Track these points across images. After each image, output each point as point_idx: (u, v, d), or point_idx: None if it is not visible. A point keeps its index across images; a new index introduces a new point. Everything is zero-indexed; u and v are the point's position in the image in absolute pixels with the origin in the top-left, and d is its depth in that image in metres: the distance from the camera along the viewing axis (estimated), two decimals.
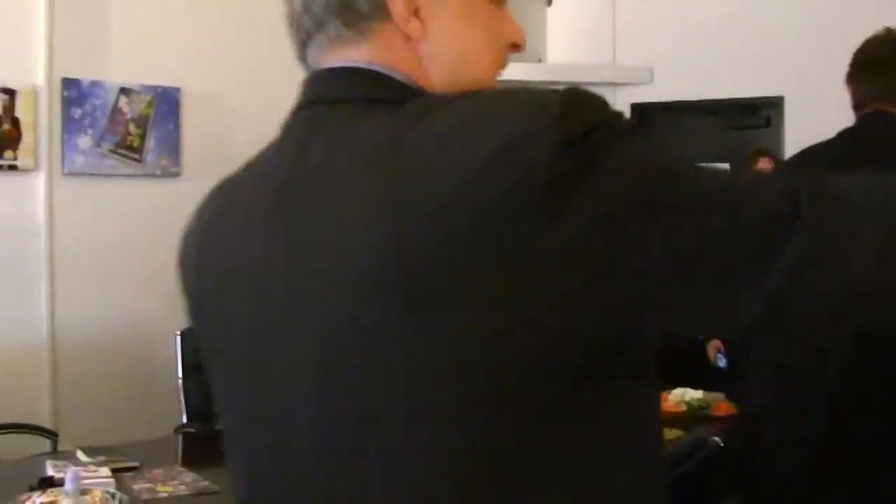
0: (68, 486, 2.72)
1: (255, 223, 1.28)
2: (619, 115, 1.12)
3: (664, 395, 5.01)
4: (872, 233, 1.08)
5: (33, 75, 5.58)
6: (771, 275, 1.06)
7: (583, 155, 1.04)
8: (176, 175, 6.15)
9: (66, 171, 5.71)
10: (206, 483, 3.68)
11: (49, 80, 5.63)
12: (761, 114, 7.65)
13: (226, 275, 1.32)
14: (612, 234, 1.04)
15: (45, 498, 2.96)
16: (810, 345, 2.30)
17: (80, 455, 3.93)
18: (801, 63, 6.88)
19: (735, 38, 7.33)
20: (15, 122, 5.49)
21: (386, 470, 1.14)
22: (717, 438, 4.35)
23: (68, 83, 5.70)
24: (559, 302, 1.05)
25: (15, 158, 5.49)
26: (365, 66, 1.23)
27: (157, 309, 5.96)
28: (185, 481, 3.70)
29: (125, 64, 5.94)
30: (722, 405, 4.85)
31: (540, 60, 8.18)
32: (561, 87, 1.10)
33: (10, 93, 5.46)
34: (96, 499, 3.01)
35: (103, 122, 5.85)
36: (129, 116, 5.94)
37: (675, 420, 4.65)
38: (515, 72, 7.15)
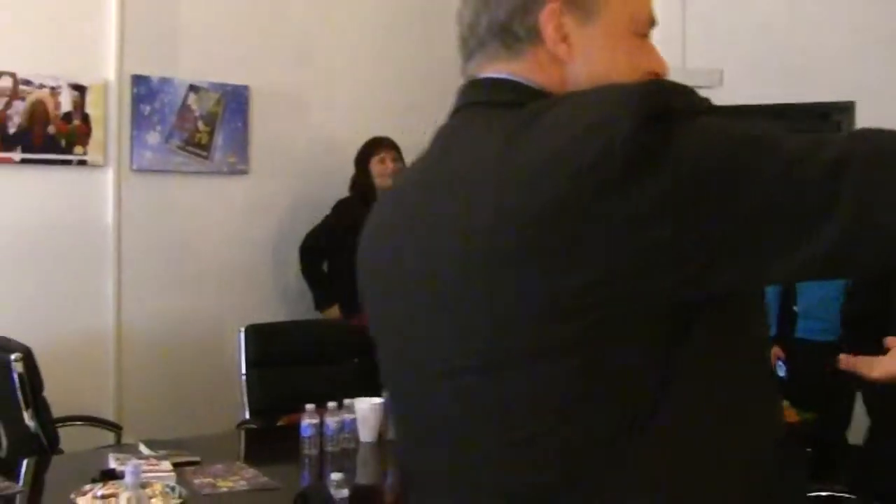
0: (128, 478, 2.73)
1: (403, 205, 1.50)
2: (701, 98, 1.28)
3: None
4: None
5: (104, 71, 5.64)
6: (837, 220, 1.18)
7: (662, 129, 1.20)
8: (243, 172, 6.19)
9: (134, 167, 5.76)
10: (265, 479, 3.68)
11: (119, 76, 5.68)
12: (832, 119, 7.54)
13: (376, 255, 1.58)
14: (695, 193, 1.19)
15: (105, 490, 2.99)
16: None
17: (143, 448, 3.95)
18: (873, 68, 6.79)
19: (806, 42, 7.25)
20: (85, 118, 5.55)
21: (499, 413, 1.30)
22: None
23: (138, 80, 5.76)
24: (645, 256, 1.21)
25: (84, 154, 5.55)
26: (513, 78, 1.44)
27: (222, 305, 6.01)
28: (245, 477, 3.71)
29: (195, 61, 5.99)
30: (787, 412, 4.80)
31: None
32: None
33: (81, 89, 5.52)
34: (156, 492, 3.03)
35: (172, 118, 5.90)
36: (197, 114, 5.99)
37: None
38: None
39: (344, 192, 6.20)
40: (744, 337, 1.34)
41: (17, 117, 5.31)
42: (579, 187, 1.21)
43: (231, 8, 6.13)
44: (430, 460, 1.46)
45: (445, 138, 1.50)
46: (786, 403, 4.87)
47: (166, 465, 3.69)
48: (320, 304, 6.11)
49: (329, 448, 4.07)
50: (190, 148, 5.97)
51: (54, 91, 5.43)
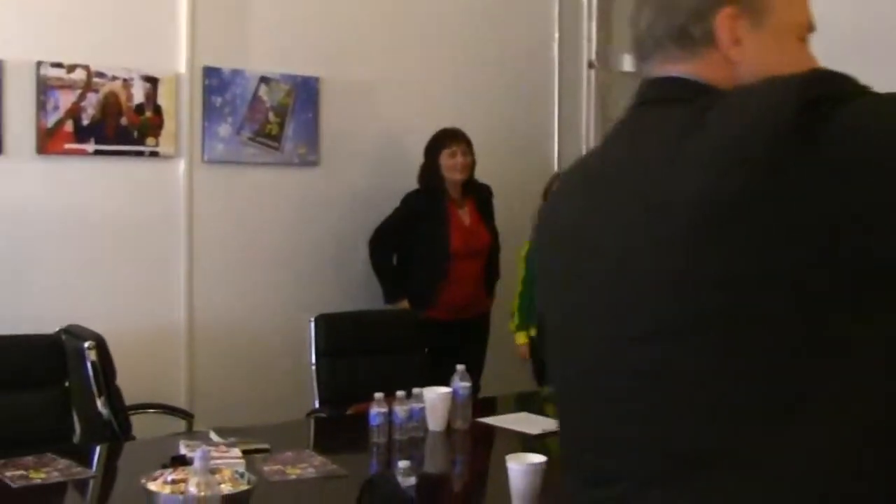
0: (197, 464, 2.75)
1: (587, 189, 1.61)
2: (861, 85, 1.36)
3: None
4: None
5: (176, 64, 5.69)
6: None
7: (827, 110, 1.29)
8: (314, 164, 6.22)
9: (205, 159, 5.81)
10: (334, 467, 3.70)
11: (191, 68, 5.73)
12: None
13: (558, 232, 1.68)
14: (866, 165, 1.27)
15: (175, 475, 3.01)
16: None
17: (213, 436, 3.99)
18: None
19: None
20: (157, 110, 5.60)
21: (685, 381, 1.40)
22: None
23: (209, 72, 5.80)
24: (827, 228, 1.28)
25: (156, 145, 5.60)
26: (689, 76, 1.56)
27: (293, 295, 6.05)
28: (314, 464, 3.73)
29: (265, 53, 6.03)
30: None
31: None
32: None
33: (153, 81, 5.58)
34: (225, 477, 3.04)
35: (243, 110, 5.93)
36: (268, 105, 6.02)
37: None
38: None
39: (412, 183, 6.21)
40: None
41: (90, 109, 5.38)
42: (752, 170, 1.31)
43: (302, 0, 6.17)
44: (597, 423, 1.54)
45: (627, 131, 1.61)
46: None
47: (236, 452, 3.72)
48: (390, 298, 6.12)
49: (397, 437, 4.08)
50: (260, 139, 6.01)
51: (127, 83, 5.49)
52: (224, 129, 5.86)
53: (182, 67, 5.70)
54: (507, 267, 6.39)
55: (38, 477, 3.50)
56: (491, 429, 4.43)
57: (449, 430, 4.30)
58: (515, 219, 6.39)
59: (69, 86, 5.31)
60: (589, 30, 7.55)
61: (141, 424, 4.62)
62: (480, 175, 6.27)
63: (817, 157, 1.27)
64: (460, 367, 4.41)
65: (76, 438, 4.42)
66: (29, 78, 5.22)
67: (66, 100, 5.31)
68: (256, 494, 3.06)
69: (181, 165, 5.72)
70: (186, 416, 5.09)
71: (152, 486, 2.98)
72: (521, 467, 3.20)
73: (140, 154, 5.57)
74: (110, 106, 5.45)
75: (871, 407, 1.33)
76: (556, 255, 1.67)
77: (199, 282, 5.78)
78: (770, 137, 1.31)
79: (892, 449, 1.34)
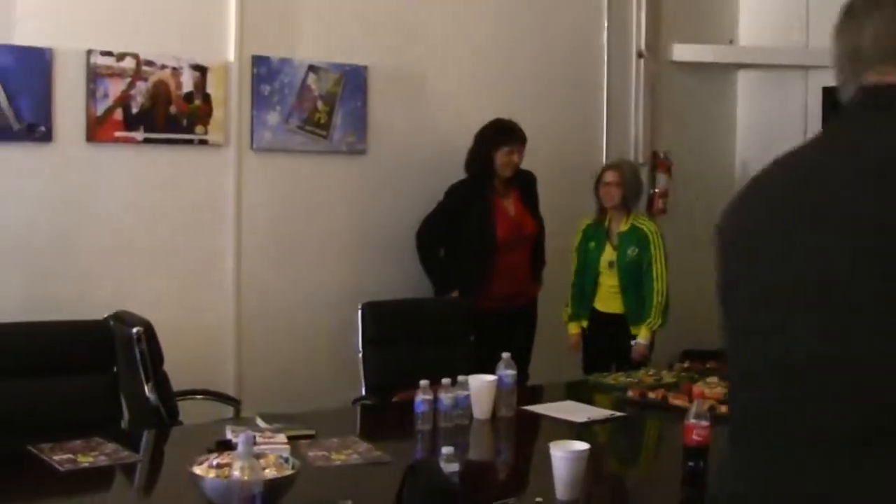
0: (241, 448, 2.77)
1: (795, 187, 1.77)
2: None
3: None
4: None
5: (225, 53, 5.72)
6: None
7: None
8: (362, 152, 6.23)
9: (254, 147, 5.83)
10: (378, 453, 3.71)
11: (240, 57, 5.75)
12: None
13: (753, 229, 1.84)
14: None
15: (220, 459, 3.03)
16: None
17: (259, 421, 4.00)
18: None
19: None
20: (206, 99, 5.63)
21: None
22: None
23: (258, 60, 5.82)
24: None
25: (205, 133, 5.63)
26: None
27: (341, 283, 6.07)
28: (358, 450, 3.74)
29: (314, 42, 6.04)
30: None
31: (731, 42, 8.01)
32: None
33: (202, 69, 5.60)
34: (270, 462, 3.06)
35: (292, 99, 5.95)
36: (316, 94, 6.04)
37: None
38: (706, 53, 7.01)
39: (460, 172, 6.20)
40: None
41: (139, 97, 5.41)
42: None
43: None
44: (815, 382, 1.68)
45: (842, 135, 1.76)
46: None
47: (281, 437, 3.74)
48: (439, 291, 6.13)
49: (442, 424, 4.07)
50: (309, 128, 6.02)
51: (176, 72, 5.52)
52: (272, 118, 5.88)
53: (231, 56, 5.73)
54: (552, 254, 6.38)
55: (85, 461, 3.53)
56: (536, 417, 4.42)
57: (494, 417, 4.29)
58: (564, 208, 6.38)
59: (119, 74, 5.35)
60: (638, 19, 7.51)
61: (188, 410, 4.65)
62: (529, 165, 6.25)
63: None
64: (506, 355, 4.41)
65: (124, 424, 4.45)
66: (79, 66, 5.26)
67: (115, 88, 5.35)
68: (300, 480, 3.08)
69: (230, 154, 5.75)
70: (234, 402, 5.12)
71: (198, 470, 3.00)
72: (564, 454, 3.19)
73: (189, 142, 5.60)
74: (159, 94, 5.48)
75: None
76: (752, 258, 1.83)
77: (247, 269, 5.81)
78: None
79: None
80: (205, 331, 5.69)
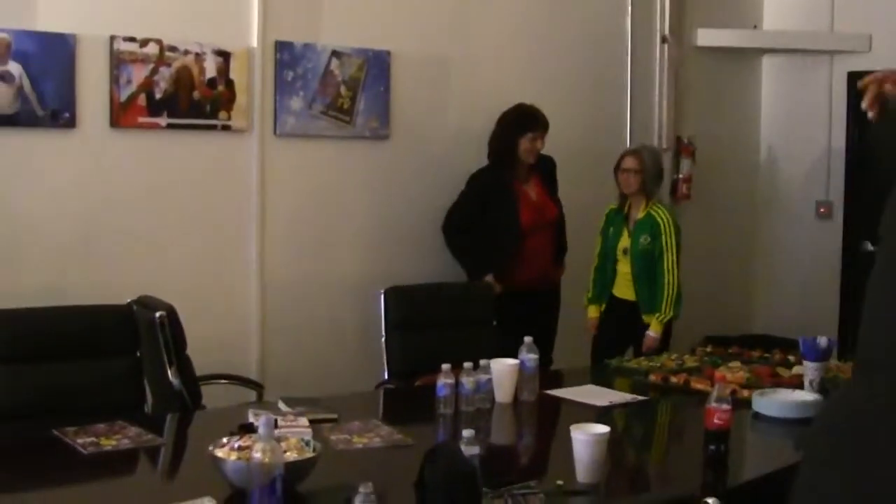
0: (262, 430, 2.78)
1: None
2: None
3: None
4: None
5: (248, 38, 5.73)
6: None
7: None
8: (385, 137, 6.23)
9: (277, 132, 5.84)
10: (400, 437, 3.72)
11: (263, 42, 5.76)
12: None
13: None
14: None
15: (242, 442, 3.04)
16: None
17: (281, 405, 4.02)
18: None
19: None
20: (229, 84, 5.64)
21: None
22: None
23: (281, 46, 5.83)
24: None
25: (229, 119, 5.64)
26: None
27: (363, 268, 6.08)
28: (380, 434, 3.75)
29: (337, 27, 6.04)
30: None
31: (755, 27, 7.97)
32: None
33: (225, 55, 5.61)
34: (291, 445, 3.07)
35: (315, 84, 5.96)
36: (340, 79, 6.04)
37: None
38: (731, 38, 6.99)
39: (483, 157, 6.22)
40: None
41: (163, 83, 5.43)
42: None
43: None
44: None
45: None
46: None
47: (304, 421, 3.75)
48: (474, 276, 6.14)
49: (464, 408, 4.09)
50: (332, 113, 6.03)
51: (199, 57, 5.53)
52: (296, 103, 5.89)
53: (254, 42, 5.73)
54: (574, 239, 6.38)
55: (108, 444, 3.56)
56: (557, 401, 4.43)
57: (516, 401, 4.30)
58: (587, 193, 6.38)
59: (142, 60, 5.37)
60: (662, 4, 7.49)
61: (212, 395, 4.67)
62: (552, 150, 6.25)
63: None
64: (528, 340, 4.41)
65: (148, 408, 4.47)
66: (102, 52, 5.27)
67: (139, 74, 5.36)
68: (322, 462, 3.09)
69: (253, 139, 5.76)
70: (257, 386, 5.14)
71: (219, 453, 3.02)
72: (585, 437, 3.20)
73: (212, 128, 5.62)
74: (183, 80, 5.49)
75: None
76: None
77: (271, 254, 5.83)
78: None
79: None
80: (228, 315, 5.72)
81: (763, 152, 8.22)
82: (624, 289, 6.03)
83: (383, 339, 5.33)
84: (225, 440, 3.11)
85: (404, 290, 5.48)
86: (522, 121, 6.11)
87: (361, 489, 2.59)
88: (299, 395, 4.35)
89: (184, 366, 4.43)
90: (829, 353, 4.52)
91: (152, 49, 5.39)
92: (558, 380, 4.85)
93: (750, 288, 8.29)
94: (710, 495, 2.44)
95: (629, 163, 5.99)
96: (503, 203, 6.07)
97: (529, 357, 4.35)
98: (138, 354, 4.44)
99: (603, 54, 7.22)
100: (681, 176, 7.62)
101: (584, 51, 7.09)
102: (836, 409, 2.07)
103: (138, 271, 5.36)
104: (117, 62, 5.30)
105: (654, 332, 5.86)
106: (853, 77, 7.58)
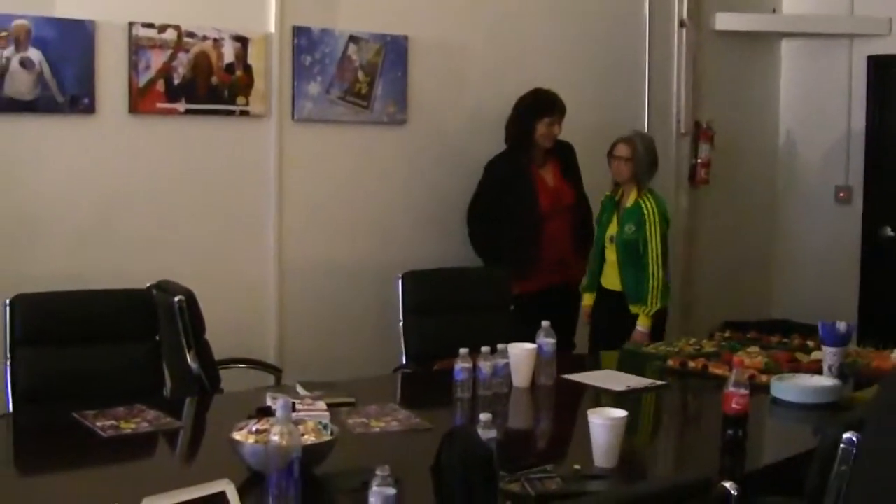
0: (279, 413, 2.79)
1: None
2: None
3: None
4: None
5: (266, 24, 5.73)
6: None
7: None
8: (402, 122, 6.23)
9: (295, 118, 5.84)
10: (418, 420, 3.73)
11: (280, 28, 5.76)
12: None
13: None
14: None
15: (259, 425, 3.06)
16: None
17: (299, 389, 4.04)
18: None
19: None
20: (247, 70, 5.64)
21: None
22: None
23: (299, 31, 5.83)
24: None
25: (247, 104, 5.65)
26: None
27: (381, 252, 6.09)
28: (398, 418, 3.76)
29: (355, 12, 6.04)
30: None
31: (774, 10, 7.94)
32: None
33: (243, 40, 5.62)
34: (309, 429, 3.09)
35: (332, 69, 5.96)
36: (357, 64, 6.04)
37: None
38: (750, 22, 6.99)
39: (501, 142, 6.22)
40: None
41: (181, 69, 5.43)
42: None
43: None
44: None
45: None
46: None
47: (321, 404, 3.78)
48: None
49: (481, 392, 4.10)
50: (350, 98, 6.03)
51: (217, 43, 5.54)
52: (313, 88, 5.89)
53: (272, 27, 5.73)
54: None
55: (128, 427, 3.58)
56: (575, 385, 4.43)
57: (533, 386, 4.31)
58: (605, 179, 6.36)
59: (160, 46, 5.37)
60: None
61: (230, 379, 4.68)
62: (570, 135, 6.25)
63: None
64: (545, 324, 4.41)
65: (167, 392, 4.50)
66: (121, 38, 5.28)
67: (157, 60, 5.37)
68: (339, 446, 3.11)
69: (271, 124, 5.76)
70: (275, 371, 5.16)
71: (237, 436, 3.04)
72: (602, 421, 3.21)
73: (230, 113, 5.63)
74: (201, 66, 5.50)
75: None
76: None
77: (289, 239, 5.84)
78: None
79: None
80: (246, 300, 5.73)
81: (782, 137, 8.19)
82: (612, 278, 5.89)
83: (401, 324, 5.34)
84: (243, 423, 3.12)
85: (422, 274, 5.48)
86: (539, 105, 6.11)
87: (378, 472, 2.60)
88: (317, 379, 4.37)
89: (202, 350, 4.45)
90: (849, 338, 4.51)
91: (170, 35, 5.39)
92: (576, 364, 4.84)
93: (769, 273, 8.27)
94: (728, 480, 2.44)
95: (621, 150, 5.88)
96: (521, 188, 6.07)
97: (547, 341, 4.35)
98: (157, 339, 4.46)
99: (621, 39, 7.21)
100: (699, 160, 7.60)
101: (602, 35, 7.08)
102: None
103: (157, 256, 5.37)
104: (136, 48, 5.31)
105: (641, 326, 5.71)
106: (873, 61, 7.56)
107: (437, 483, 2.86)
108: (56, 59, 5.09)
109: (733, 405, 3.46)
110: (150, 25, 5.34)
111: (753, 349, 4.89)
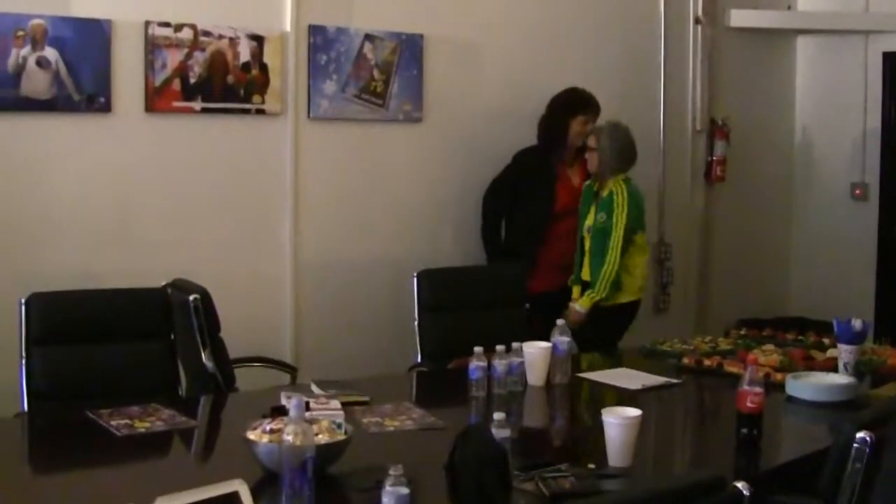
0: (292, 412, 2.80)
1: None
2: None
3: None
4: None
5: (281, 22, 5.74)
6: None
7: None
8: (418, 120, 6.24)
9: (311, 116, 5.85)
10: (432, 419, 3.74)
11: (296, 26, 5.77)
12: None
13: None
14: None
15: (273, 424, 3.07)
16: None
17: (314, 388, 4.04)
18: None
19: None
20: (263, 68, 5.65)
21: None
22: None
23: (315, 30, 5.84)
24: None
25: (263, 103, 5.66)
26: None
27: (396, 251, 6.09)
28: (412, 417, 3.77)
29: (370, 11, 6.05)
30: None
31: (789, 7, 7.92)
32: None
33: (259, 39, 5.63)
34: (323, 428, 3.09)
35: (348, 68, 5.97)
36: (373, 62, 6.05)
37: None
38: (765, 18, 6.97)
39: (516, 140, 6.22)
40: None
41: (197, 68, 5.45)
42: None
43: None
44: None
45: None
46: None
47: (336, 403, 3.78)
48: (490, 261, 6.26)
49: (496, 391, 4.10)
50: (365, 96, 6.04)
51: (233, 42, 5.55)
52: (329, 87, 5.90)
53: (287, 26, 5.74)
54: None
55: (142, 426, 3.59)
56: (590, 384, 4.43)
57: (548, 384, 4.31)
58: None
59: (176, 45, 5.39)
60: None
61: (245, 378, 4.69)
62: None
63: None
64: (560, 322, 4.41)
65: (182, 391, 4.50)
66: (137, 38, 5.30)
67: (173, 59, 5.38)
68: (354, 445, 3.12)
69: (287, 123, 5.77)
70: (290, 369, 5.16)
71: (251, 436, 3.05)
72: (616, 420, 3.20)
73: (246, 112, 5.64)
74: (217, 64, 5.51)
75: None
76: None
77: (305, 237, 5.85)
78: None
79: None
80: (262, 298, 5.74)
81: (797, 133, 8.17)
82: (588, 269, 5.86)
83: (416, 322, 5.33)
84: (257, 422, 3.13)
85: (437, 272, 5.48)
86: (574, 103, 6.12)
87: (391, 471, 2.61)
88: (332, 377, 4.37)
89: (217, 349, 4.45)
90: (864, 336, 4.50)
91: (186, 34, 5.40)
92: (591, 363, 4.84)
93: (785, 270, 8.25)
94: (743, 478, 2.44)
95: (590, 141, 5.86)
96: (544, 180, 6.08)
97: (561, 339, 4.36)
98: (172, 337, 4.48)
99: (636, 36, 7.20)
100: (715, 158, 7.58)
101: (618, 33, 7.07)
102: None
103: (173, 255, 5.38)
104: (152, 47, 5.32)
105: (580, 306, 5.67)
106: (889, 57, 7.53)
107: (451, 482, 2.87)
108: (72, 59, 5.11)
109: (748, 404, 3.45)
110: (166, 24, 5.35)
111: (769, 347, 4.89)
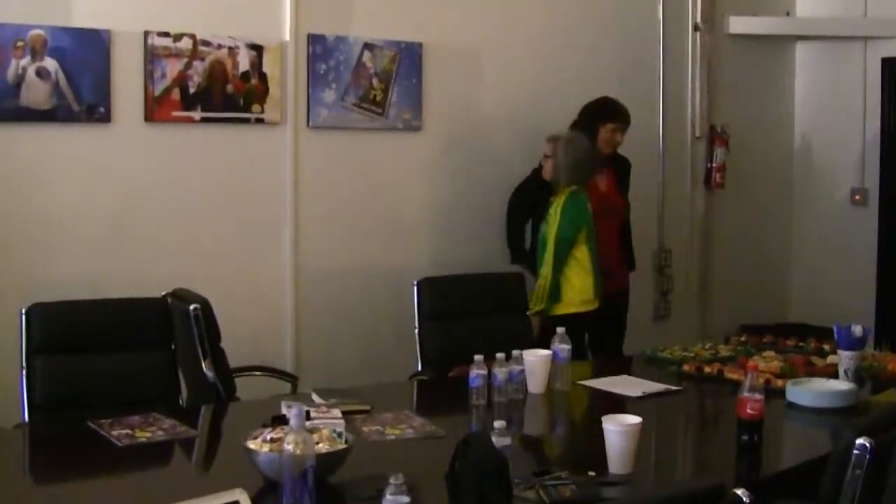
0: (293, 421, 2.80)
1: None
2: None
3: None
4: None
5: (280, 32, 5.75)
6: None
7: None
8: (417, 129, 6.24)
9: (310, 125, 5.86)
10: (433, 428, 3.73)
11: (295, 36, 5.78)
12: None
13: None
14: None
15: (274, 434, 3.07)
16: None
17: (315, 396, 4.04)
18: None
19: None
20: (262, 77, 5.66)
21: None
22: None
23: (314, 39, 5.85)
24: None
25: (262, 112, 5.67)
26: None
27: (396, 259, 6.10)
28: (413, 425, 3.76)
29: (369, 20, 6.06)
30: None
31: (788, 13, 7.93)
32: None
33: (258, 49, 5.64)
34: (323, 437, 3.09)
35: (347, 76, 5.97)
36: (372, 71, 6.06)
37: None
38: (763, 25, 6.97)
39: (517, 148, 6.23)
40: None
41: (196, 77, 5.46)
42: None
43: None
44: None
45: None
46: None
47: (336, 412, 3.78)
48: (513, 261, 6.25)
49: (497, 399, 4.10)
50: (365, 105, 6.05)
51: (232, 51, 5.56)
52: (328, 96, 5.91)
53: (287, 35, 5.76)
54: None
55: (143, 436, 3.59)
56: (590, 391, 4.43)
57: (549, 392, 4.31)
58: None
59: (176, 55, 5.40)
60: None
61: (246, 387, 4.68)
62: None
63: None
64: (560, 330, 4.42)
65: (182, 400, 4.51)
66: (136, 47, 5.31)
67: (172, 68, 5.39)
68: (354, 453, 3.11)
69: (286, 132, 5.78)
70: (291, 378, 5.16)
71: (252, 445, 3.05)
72: (617, 428, 3.20)
73: (246, 121, 5.64)
74: (216, 74, 5.52)
75: None
76: None
77: (304, 246, 5.85)
78: None
79: None
80: (262, 308, 5.75)
81: (797, 139, 8.17)
82: None
83: (416, 330, 5.33)
84: (258, 432, 3.13)
85: (437, 281, 5.48)
86: (605, 111, 6.15)
87: (392, 480, 2.60)
88: (333, 386, 4.37)
89: (218, 358, 4.44)
90: (864, 342, 4.50)
91: (186, 44, 5.42)
92: (592, 370, 4.84)
93: (785, 276, 8.25)
94: (744, 485, 2.44)
95: (547, 149, 5.81)
96: None
97: (561, 347, 4.36)
98: (173, 347, 4.48)
99: (635, 43, 7.20)
100: (714, 164, 7.59)
101: (617, 40, 7.08)
102: None
103: (173, 264, 5.39)
104: (151, 57, 5.33)
105: (530, 313, 5.64)
106: (888, 63, 7.53)
107: (452, 491, 2.86)
108: (72, 69, 5.12)
109: (748, 411, 3.45)
110: (166, 34, 5.36)
111: (769, 353, 4.89)
